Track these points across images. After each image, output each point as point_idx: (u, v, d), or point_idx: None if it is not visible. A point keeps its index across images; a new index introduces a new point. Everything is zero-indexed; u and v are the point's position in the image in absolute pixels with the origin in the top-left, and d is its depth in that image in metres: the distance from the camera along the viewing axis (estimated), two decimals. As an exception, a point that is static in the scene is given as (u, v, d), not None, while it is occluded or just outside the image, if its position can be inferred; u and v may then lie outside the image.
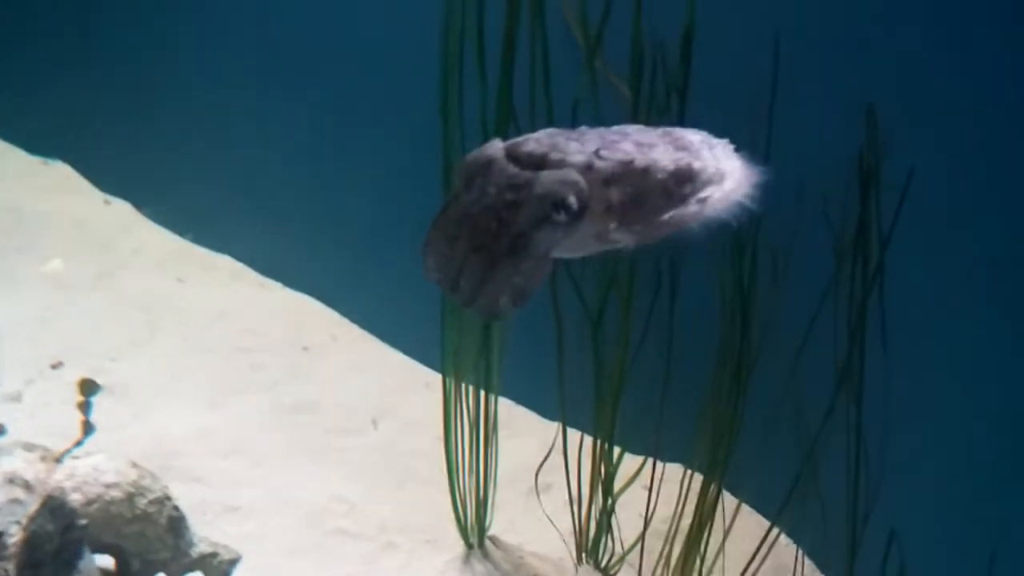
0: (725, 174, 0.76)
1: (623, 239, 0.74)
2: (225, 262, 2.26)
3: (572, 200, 0.69)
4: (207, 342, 2.00)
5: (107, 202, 2.39)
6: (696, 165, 0.74)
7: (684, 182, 0.74)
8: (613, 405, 1.38)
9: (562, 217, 0.70)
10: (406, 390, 1.95)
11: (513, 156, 0.72)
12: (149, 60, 2.21)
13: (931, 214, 1.18)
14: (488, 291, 0.70)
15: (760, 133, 1.09)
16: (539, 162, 0.71)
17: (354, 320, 2.11)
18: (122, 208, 2.39)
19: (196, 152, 2.21)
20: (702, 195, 0.74)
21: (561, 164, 0.71)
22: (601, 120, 1.26)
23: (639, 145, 0.74)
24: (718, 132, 0.76)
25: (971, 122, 1.20)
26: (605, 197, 0.71)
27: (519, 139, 0.73)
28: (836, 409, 1.12)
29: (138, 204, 2.34)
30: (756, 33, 1.17)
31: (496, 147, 0.73)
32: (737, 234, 1.12)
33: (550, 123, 1.23)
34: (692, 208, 0.74)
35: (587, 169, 0.71)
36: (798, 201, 1.13)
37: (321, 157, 2.01)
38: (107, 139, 2.32)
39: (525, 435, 1.82)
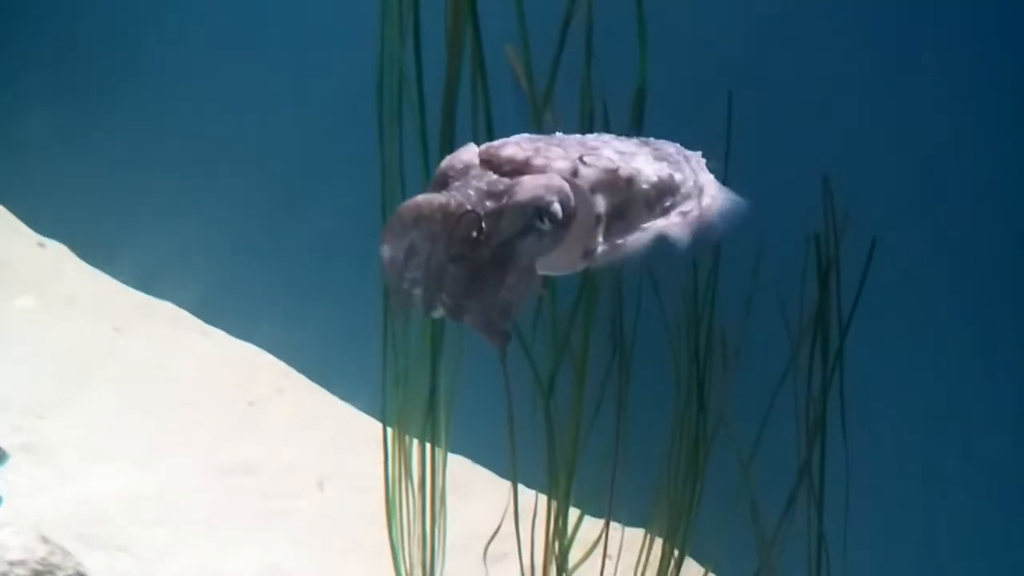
0: (703, 188, 0.73)
1: (602, 257, 0.68)
2: (166, 308, 2.15)
3: (557, 207, 0.64)
4: (142, 396, 1.89)
5: (41, 244, 2.27)
6: (677, 177, 0.72)
7: (665, 195, 0.71)
8: (567, 478, 1.31)
9: (546, 225, 0.64)
10: (356, 447, 1.86)
11: (491, 161, 0.66)
12: (87, 98, 2.12)
13: (892, 297, 1.14)
14: (474, 305, 0.64)
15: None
16: (520, 168, 0.66)
17: (303, 371, 2.02)
18: (57, 250, 2.28)
19: (137, 193, 2.11)
20: (682, 209, 0.71)
21: (544, 170, 0.66)
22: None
23: (621, 153, 0.70)
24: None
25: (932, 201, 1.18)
26: (591, 206, 0.66)
27: (497, 143, 0.67)
28: (796, 501, 1.06)
29: (75, 247, 2.23)
30: (709, 95, 1.12)
31: (472, 151, 0.67)
32: (692, 308, 1.07)
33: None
34: (672, 221, 0.70)
35: (572, 175, 0.66)
36: (753, 276, 1.08)
37: (267, 201, 1.93)
38: (43, 177, 2.22)
39: (482, 497, 1.73)
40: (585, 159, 0.67)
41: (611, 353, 1.22)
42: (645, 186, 0.69)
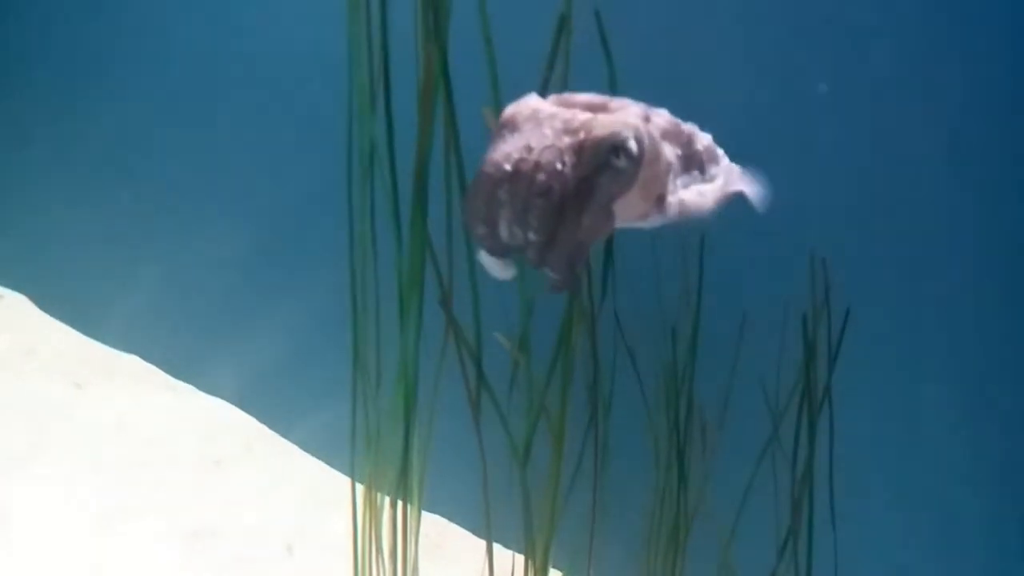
0: (732, 166, 0.77)
1: (673, 210, 0.69)
2: (131, 362, 2.09)
3: (632, 144, 0.65)
4: (101, 457, 1.82)
5: (0, 296, 2.21)
6: (718, 149, 0.75)
7: (712, 160, 0.74)
8: (545, 543, 1.27)
9: (622, 161, 0.65)
10: (328, 507, 1.80)
11: (567, 103, 0.68)
12: (49, 146, 2.08)
13: (877, 373, 1.13)
14: (560, 243, 0.63)
15: (692, 272, 1.03)
16: (597, 110, 0.67)
17: (273, 428, 1.96)
18: (17, 301, 2.21)
19: (102, 243, 2.06)
20: (725, 178, 0.74)
21: (623, 105, 0.68)
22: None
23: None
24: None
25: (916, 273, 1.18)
26: (662, 149, 0.68)
27: (566, 93, 0.69)
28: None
29: (35, 298, 2.16)
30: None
31: (536, 98, 0.68)
32: (671, 380, 1.05)
33: (469, 249, 1.16)
34: (719, 188, 0.73)
35: (644, 120, 0.68)
36: (737, 349, 1.07)
37: (238, 255, 1.89)
38: (1, 226, 2.16)
39: (455, 559, 1.68)
40: (651, 112, 0.70)
41: (589, 419, 1.19)
42: (699, 147, 0.72)
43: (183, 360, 2.04)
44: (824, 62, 1.24)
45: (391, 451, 1.30)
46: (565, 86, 1.00)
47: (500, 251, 0.66)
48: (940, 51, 1.21)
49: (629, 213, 0.68)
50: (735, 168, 0.77)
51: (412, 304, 1.14)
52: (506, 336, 1.22)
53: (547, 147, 0.63)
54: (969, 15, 1.17)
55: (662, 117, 0.70)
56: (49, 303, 2.18)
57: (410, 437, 1.31)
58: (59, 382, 2.00)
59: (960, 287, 1.21)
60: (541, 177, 0.62)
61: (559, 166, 0.63)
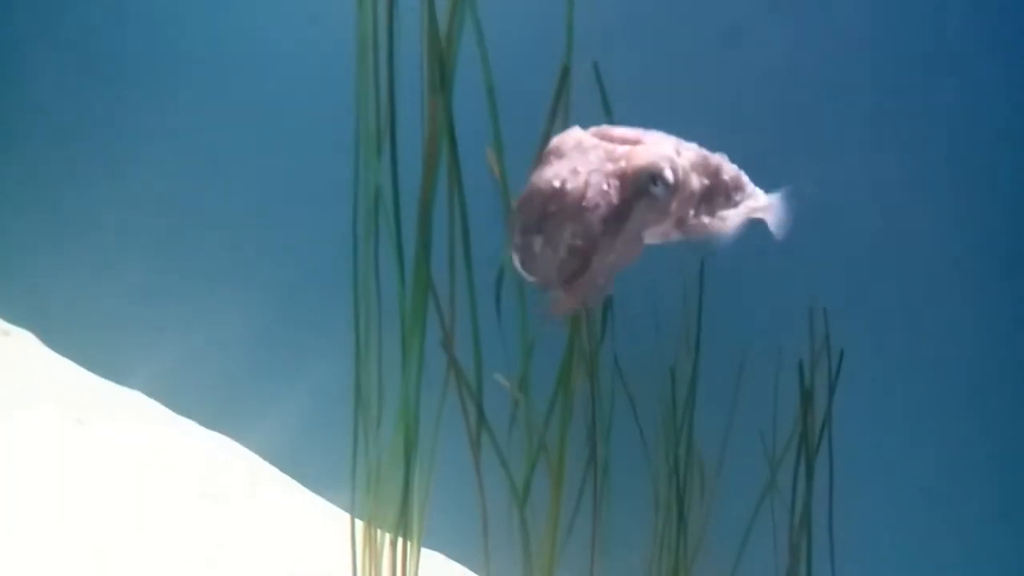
0: (758, 194, 0.83)
1: (691, 231, 0.77)
2: (134, 397, 2.10)
3: (669, 174, 0.72)
4: (101, 493, 1.82)
5: (6, 332, 2.22)
6: (744, 178, 0.81)
7: (738, 189, 0.81)
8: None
9: (660, 189, 0.71)
10: (329, 543, 1.80)
11: (606, 137, 0.74)
12: (57, 183, 2.11)
13: (874, 419, 1.15)
14: (595, 264, 0.69)
15: (692, 313, 1.05)
16: (633, 143, 0.74)
17: (275, 463, 1.96)
18: (23, 337, 2.23)
19: (106, 279, 2.08)
20: (749, 204, 0.81)
21: (657, 138, 0.74)
22: (528, 288, 1.19)
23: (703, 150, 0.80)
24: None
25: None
26: (689, 181, 0.74)
27: (604, 127, 0.76)
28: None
29: (41, 334, 2.19)
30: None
31: (579, 131, 0.74)
32: (670, 421, 1.07)
33: (471, 292, 1.18)
34: (742, 216, 0.79)
35: (676, 153, 0.75)
36: (735, 391, 1.09)
37: (242, 291, 1.91)
38: (8, 261, 2.18)
39: (454, 597, 1.68)
40: (681, 146, 0.77)
41: (588, 459, 1.20)
42: (726, 177, 0.79)
43: (186, 396, 2.05)
44: (823, 118, 1.27)
45: (392, 489, 1.31)
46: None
47: (530, 267, 0.72)
48: (933, 115, 1.24)
49: (654, 232, 0.75)
50: (760, 196, 0.84)
51: (414, 345, 1.16)
52: (506, 376, 1.24)
53: (593, 170, 0.70)
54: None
55: (691, 150, 0.77)
56: (55, 340, 2.20)
57: (410, 475, 1.32)
58: (62, 417, 2.01)
59: (956, 332, 1.23)
60: (590, 194, 0.69)
61: (605, 187, 0.70)
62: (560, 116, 1.06)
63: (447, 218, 1.09)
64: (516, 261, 0.71)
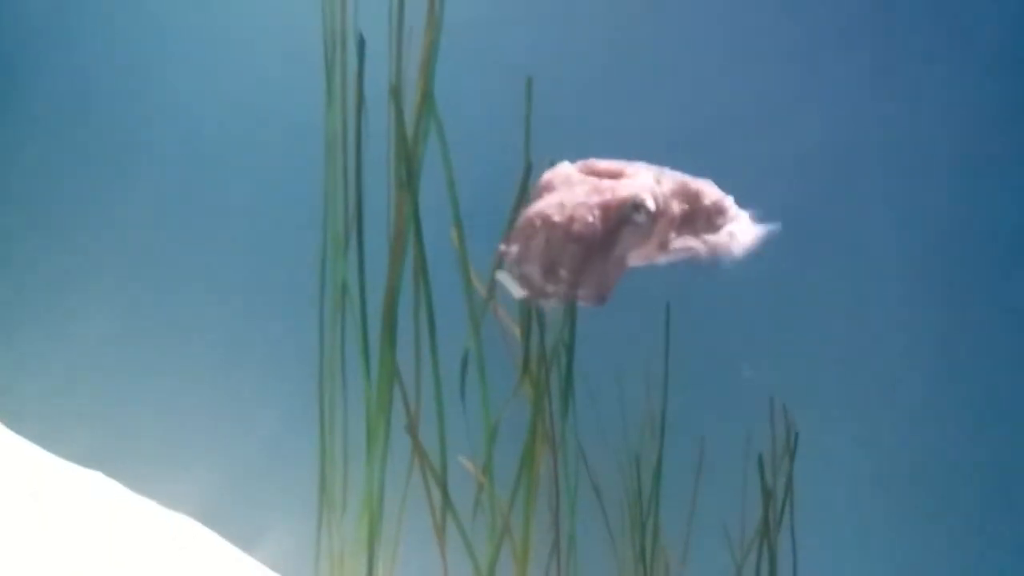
0: (740, 217, 0.89)
1: (673, 253, 0.84)
2: (93, 478, 2.06)
3: (651, 203, 0.79)
4: (53, 567, 1.76)
5: (-39, 412, 2.18)
6: (727, 203, 0.87)
7: (720, 213, 0.86)
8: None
9: (642, 217, 0.79)
10: (289, 628, 1.76)
11: (591, 170, 0.82)
12: (19, 266, 2.11)
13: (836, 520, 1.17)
14: (588, 281, 0.77)
15: (656, 406, 1.08)
16: (616, 175, 0.82)
17: (238, 545, 1.92)
18: (-21, 417, 2.19)
19: (66, 356, 2.06)
20: (729, 228, 0.86)
21: (636, 171, 0.82)
22: (491, 373, 1.22)
23: (685, 177, 0.86)
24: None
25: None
26: (670, 207, 0.82)
27: (590, 160, 0.84)
28: None
29: (4, 417, 2.14)
30: (643, 304, 1.19)
31: (568, 166, 0.82)
32: (636, 508, 1.09)
33: (436, 378, 1.21)
34: (723, 238, 0.86)
35: (656, 181, 0.82)
36: (697, 482, 1.11)
37: (202, 373, 1.90)
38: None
39: None
40: (661, 177, 0.84)
41: (552, 543, 1.21)
42: (707, 202, 0.85)
43: (146, 475, 2.02)
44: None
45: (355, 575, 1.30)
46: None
47: (530, 291, 0.80)
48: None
49: (637, 255, 0.83)
50: (744, 219, 0.90)
51: (379, 431, 1.18)
52: (470, 459, 1.25)
53: (580, 203, 0.78)
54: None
55: (671, 178, 0.85)
56: (11, 418, 2.15)
57: (374, 563, 1.31)
58: (14, 497, 1.96)
59: (916, 418, 1.27)
60: (576, 227, 0.77)
61: (590, 219, 0.77)
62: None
63: (412, 307, 1.12)
64: (511, 287, 0.79)
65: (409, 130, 1.04)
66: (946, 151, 1.29)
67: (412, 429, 1.18)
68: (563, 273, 0.77)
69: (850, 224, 1.33)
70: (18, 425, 2.17)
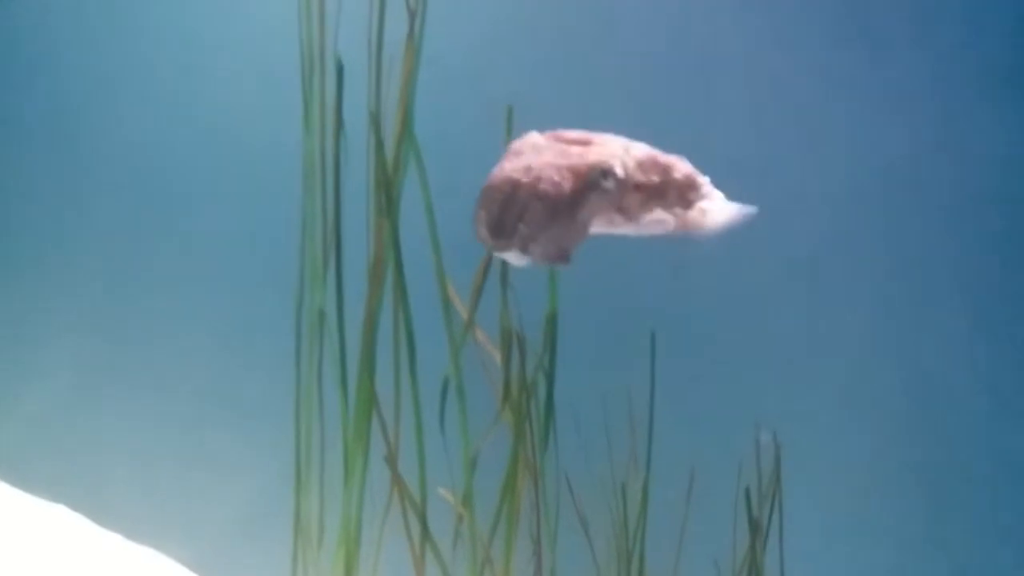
0: (715, 195, 0.88)
1: (642, 223, 0.83)
2: (58, 512, 1.99)
3: (619, 170, 0.79)
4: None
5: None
6: (699, 179, 0.87)
7: (692, 188, 0.86)
8: None
9: (610, 183, 0.79)
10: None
11: (559, 138, 0.82)
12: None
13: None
14: (544, 239, 0.77)
15: (642, 430, 1.08)
16: (585, 142, 0.81)
17: (204, 576, 1.87)
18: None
19: (37, 399, 2.01)
20: (701, 205, 0.86)
21: (605, 140, 0.82)
22: (472, 401, 1.21)
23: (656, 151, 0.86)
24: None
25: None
26: (638, 176, 0.82)
27: (556, 131, 0.84)
28: None
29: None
30: (621, 326, 1.19)
31: (536, 135, 0.82)
32: (622, 539, 1.07)
33: (416, 408, 1.19)
34: (695, 213, 0.85)
35: (625, 150, 0.82)
36: (686, 512, 1.10)
37: (177, 410, 1.86)
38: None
39: None
40: (630, 147, 0.84)
41: (534, 573, 1.19)
42: (678, 175, 0.85)
43: (113, 510, 1.96)
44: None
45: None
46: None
47: (500, 249, 0.81)
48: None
49: (601, 222, 0.83)
50: (718, 198, 0.90)
51: (357, 462, 1.15)
52: (450, 491, 1.23)
53: (547, 164, 0.79)
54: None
55: (639, 149, 0.85)
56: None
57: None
58: (-23, 534, 1.89)
59: (909, 443, 1.27)
60: (541, 186, 0.77)
61: (556, 178, 0.78)
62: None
63: (392, 336, 1.10)
64: (486, 245, 0.80)
65: (389, 156, 1.03)
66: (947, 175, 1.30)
67: (391, 459, 1.15)
68: (522, 228, 0.77)
69: (842, 241, 1.34)
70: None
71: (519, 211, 0.77)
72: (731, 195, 0.88)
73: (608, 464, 1.19)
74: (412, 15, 1.09)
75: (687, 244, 0.87)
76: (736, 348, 1.31)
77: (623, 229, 0.85)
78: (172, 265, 1.78)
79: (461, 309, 1.16)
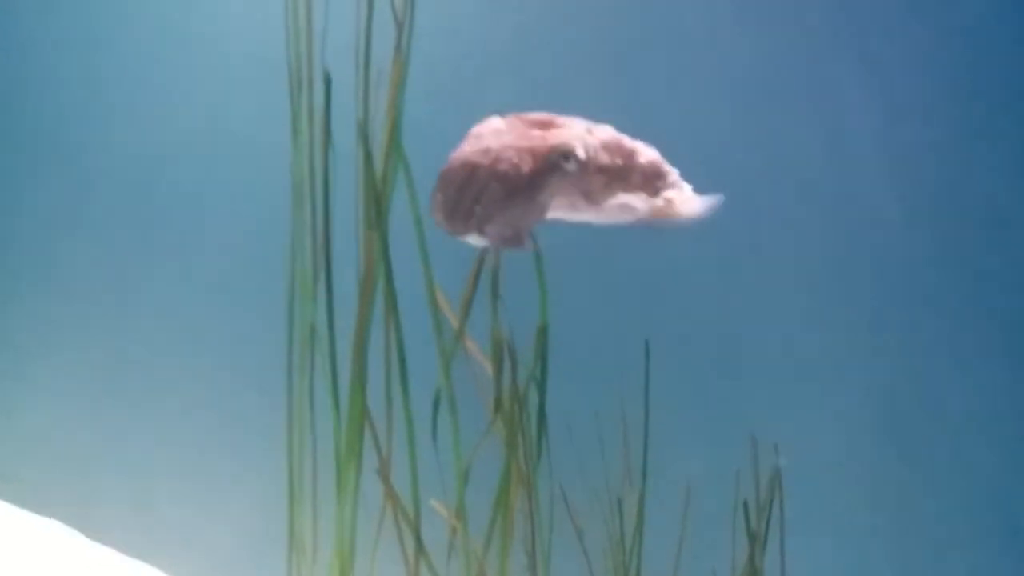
0: (682, 186, 0.87)
1: (606, 208, 0.83)
2: (52, 527, 1.98)
3: (581, 152, 0.80)
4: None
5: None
6: (665, 167, 0.86)
7: (657, 176, 0.85)
8: None
9: (571, 165, 0.79)
10: None
11: (522, 119, 0.81)
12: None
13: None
14: (500, 219, 0.77)
15: (636, 443, 1.07)
16: (547, 123, 0.81)
17: (200, 595, 1.86)
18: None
19: (29, 412, 1.99)
20: (667, 194, 0.85)
21: (568, 122, 0.81)
22: (464, 413, 1.20)
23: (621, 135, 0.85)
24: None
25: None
26: (600, 158, 0.82)
27: (519, 114, 0.83)
28: None
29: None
30: (612, 337, 1.19)
31: (497, 119, 0.82)
32: (619, 555, 1.07)
33: (409, 420, 1.18)
34: (659, 202, 0.85)
35: (588, 132, 0.82)
36: (683, 524, 1.10)
37: (172, 424, 1.85)
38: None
39: None
40: (594, 129, 0.83)
41: (528, 584, 1.18)
42: (643, 160, 0.84)
43: (106, 525, 1.94)
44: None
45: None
46: (496, 264, 1.08)
47: (454, 230, 0.81)
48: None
49: (561, 204, 0.83)
50: (686, 188, 0.88)
51: (350, 475, 1.15)
52: (444, 503, 1.22)
53: (507, 146, 0.78)
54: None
55: (603, 131, 0.83)
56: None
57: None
58: (-29, 551, 1.88)
59: (911, 451, 1.27)
60: (500, 167, 0.77)
61: (516, 160, 0.77)
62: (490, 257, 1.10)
63: (383, 348, 1.10)
64: (443, 227, 0.80)
65: (378, 168, 1.03)
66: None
67: (383, 473, 1.15)
68: (478, 209, 0.77)
69: (842, 250, 1.34)
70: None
71: (476, 192, 0.77)
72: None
73: (603, 476, 1.19)
74: (400, 27, 1.08)
75: (660, 235, 0.86)
76: (732, 357, 1.31)
77: (587, 214, 0.84)
78: (162, 280, 1.77)
79: (451, 319, 1.16)
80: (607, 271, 1.34)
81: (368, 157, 1.03)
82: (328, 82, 1.12)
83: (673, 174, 0.87)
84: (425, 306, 1.21)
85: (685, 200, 0.86)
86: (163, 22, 1.78)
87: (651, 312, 1.36)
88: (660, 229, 0.85)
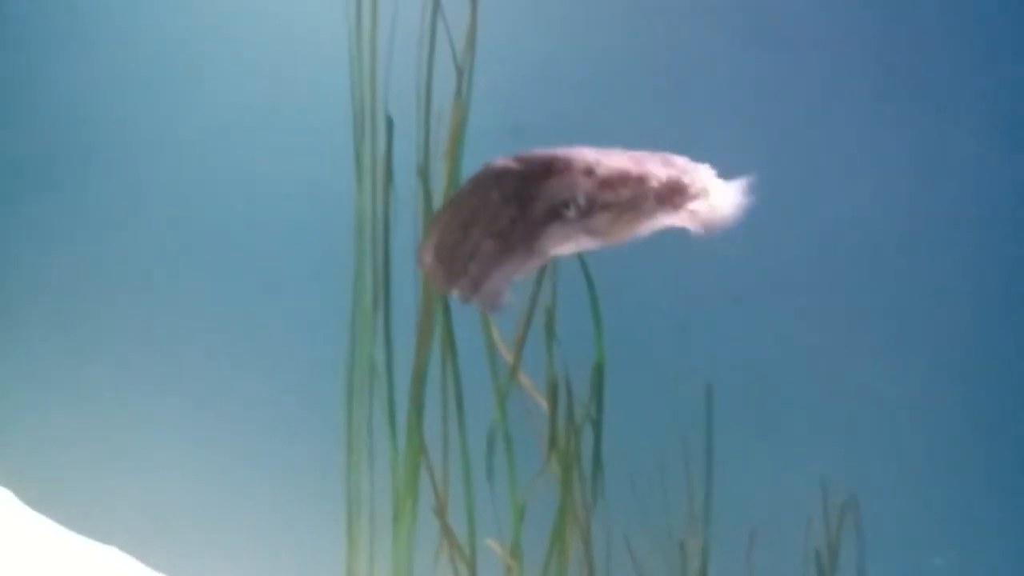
0: (710, 190, 0.85)
1: (610, 236, 0.81)
2: (108, 553, 2.02)
3: (581, 198, 0.78)
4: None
5: (-16, 490, 2.17)
6: (685, 179, 0.84)
7: (675, 193, 0.83)
8: None
9: (572, 213, 0.78)
10: None
11: (521, 159, 0.80)
12: (41, 341, 2.12)
13: None
14: (496, 277, 0.76)
15: (699, 487, 1.05)
16: (547, 163, 0.80)
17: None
18: (1, 496, 2.17)
19: (87, 439, 2.05)
20: (691, 207, 0.83)
21: (567, 165, 0.80)
22: (520, 450, 1.20)
23: (634, 159, 0.84)
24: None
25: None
26: (604, 198, 0.80)
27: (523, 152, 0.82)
28: None
29: (20, 491, 2.13)
30: (669, 374, 1.17)
31: (503, 159, 0.81)
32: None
33: (465, 459, 1.19)
34: (682, 216, 0.83)
35: (590, 172, 0.80)
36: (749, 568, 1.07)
37: (231, 454, 1.88)
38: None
39: None
40: (601, 160, 0.82)
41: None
42: (655, 184, 0.82)
43: (163, 555, 1.98)
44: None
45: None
46: (554, 298, 1.08)
47: (445, 288, 0.79)
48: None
49: (563, 248, 0.81)
50: (717, 193, 0.86)
51: (406, 511, 1.15)
52: (499, 542, 1.22)
53: (506, 198, 0.77)
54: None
55: (610, 162, 0.82)
56: (31, 496, 2.13)
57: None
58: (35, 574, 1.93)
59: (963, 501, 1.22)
60: (494, 227, 0.76)
61: (513, 214, 0.77)
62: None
63: (440, 385, 1.11)
64: (428, 277, 0.78)
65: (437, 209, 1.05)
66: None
67: (440, 512, 1.15)
68: (472, 267, 0.76)
69: (917, 294, 1.31)
70: (38, 503, 2.15)
71: (471, 250, 0.76)
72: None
73: (663, 519, 1.17)
74: (460, 72, 1.11)
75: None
76: (799, 399, 1.28)
77: (589, 247, 0.83)
78: (225, 315, 1.82)
79: (507, 355, 1.17)
80: (668, 305, 1.33)
81: (427, 197, 1.05)
82: (390, 125, 1.15)
83: (696, 184, 0.85)
84: (481, 344, 1.21)
85: (712, 208, 0.85)
86: (230, 69, 1.86)
87: (714, 351, 1.34)
88: (703, 235, 0.84)
